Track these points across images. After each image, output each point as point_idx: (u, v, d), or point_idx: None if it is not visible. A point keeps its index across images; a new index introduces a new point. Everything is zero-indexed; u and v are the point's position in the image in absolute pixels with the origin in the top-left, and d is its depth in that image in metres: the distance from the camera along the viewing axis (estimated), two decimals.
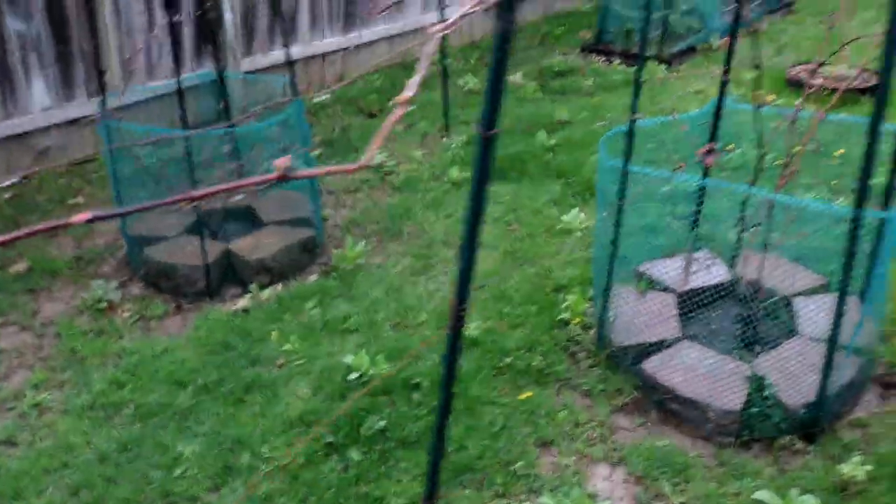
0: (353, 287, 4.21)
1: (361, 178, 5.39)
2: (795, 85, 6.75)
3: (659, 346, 3.42)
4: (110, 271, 4.53)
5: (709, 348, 3.43)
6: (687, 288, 3.77)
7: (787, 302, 3.76)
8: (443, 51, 5.93)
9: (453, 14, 1.27)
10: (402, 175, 5.39)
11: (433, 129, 6.16)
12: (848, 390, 3.25)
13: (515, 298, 4.00)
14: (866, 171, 2.54)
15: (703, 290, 3.77)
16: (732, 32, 3.48)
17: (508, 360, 3.55)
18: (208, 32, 6.04)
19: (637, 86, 3.14)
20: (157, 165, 4.33)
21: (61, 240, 4.81)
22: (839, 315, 2.86)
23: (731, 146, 4.93)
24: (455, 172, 5.23)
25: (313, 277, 4.36)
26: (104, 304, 4.15)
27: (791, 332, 3.56)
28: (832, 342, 2.92)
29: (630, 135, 3.08)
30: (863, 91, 6.32)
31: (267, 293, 4.20)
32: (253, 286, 4.22)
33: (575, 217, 4.64)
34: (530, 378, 3.47)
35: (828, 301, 3.61)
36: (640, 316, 3.60)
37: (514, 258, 4.40)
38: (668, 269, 3.90)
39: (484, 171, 1.48)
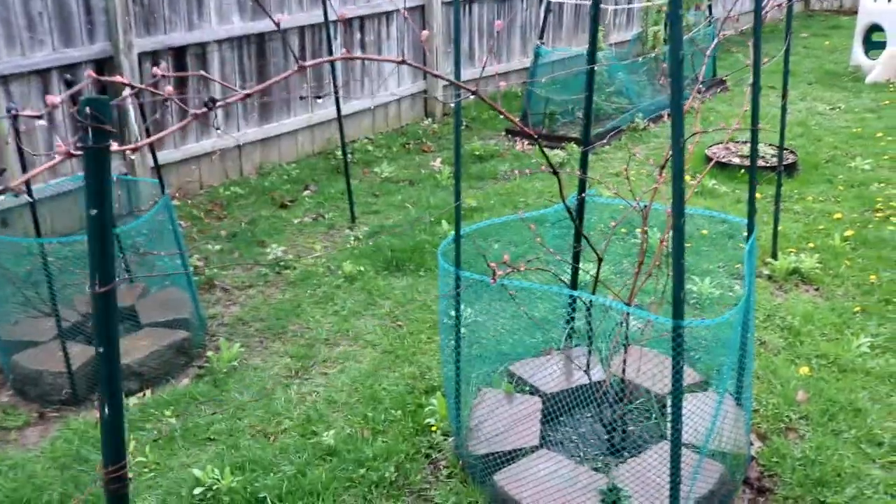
0: (224, 391, 4.06)
1: (258, 273, 5.29)
2: (717, 165, 6.77)
3: (515, 455, 3.27)
4: None
5: (569, 457, 3.28)
6: (555, 389, 3.64)
7: (661, 402, 3.64)
8: (343, 141, 5.92)
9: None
10: (299, 270, 5.30)
11: (342, 220, 6.11)
12: (710, 500, 3.10)
13: (385, 401, 3.86)
14: (679, 283, 2.46)
15: (573, 391, 3.65)
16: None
17: (362, 470, 3.39)
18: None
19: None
20: (24, 273, 4.22)
21: None
22: (676, 415, 2.73)
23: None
24: (349, 266, 5.14)
25: (185, 382, 4.21)
26: None
27: (662, 436, 3.43)
28: (674, 447, 2.78)
29: (457, 243, 3.00)
30: (772, 169, 6.33)
31: (134, 400, 4.05)
32: None
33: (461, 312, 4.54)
34: (382, 490, 3.31)
35: (703, 400, 3.50)
36: (500, 421, 3.46)
37: (395, 357, 4.28)
38: (538, 369, 3.78)
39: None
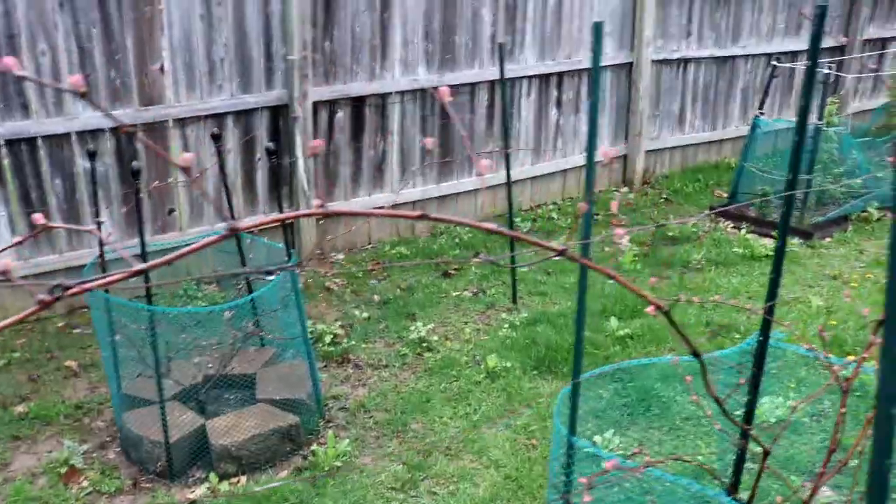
0: (320, 495, 3.59)
1: (398, 353, 4.82)
2: None
3: None
4: (103, 427, 4.23)
5: None
6: None
7: None
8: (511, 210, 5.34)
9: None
10: (441, 354, 4.76)
11: (503, 299, 5.51)
12: None
13: None
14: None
15: None
16: None
17: None
18: (280, 177, 5.86)
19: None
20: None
21: (78, 380, 4.61)
22: None
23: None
24: (493, 360, 4.53)
25: (285, 473, 3.79)
26: (65, 469, 3.81)
27: None
28: None
29: (574, 401, 2.30)
30: None
31: (225, 486, 3.68)
32: (213, 476, 3.72)
33: (607, 441, 3.78)
34: None
35: None
36: None
37: (517, 487, 3.60)
38: None
39: None
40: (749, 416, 2.83)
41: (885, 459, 1.61)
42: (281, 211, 4.11)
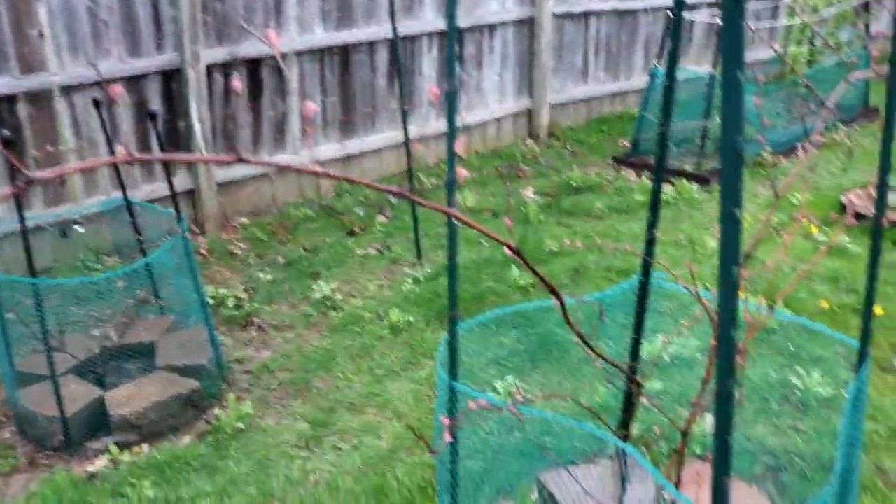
0: (223, 458, 3.59)
1: (303, 313, 4.81)
2: (854, 215, 5.73)
3: None
4: None
5: None
6: None
7: None
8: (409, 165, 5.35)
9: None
10: (345, 312, 4.78)
11: (408, 255, 5.54)
12: None
13: (392, 497, 3.25)
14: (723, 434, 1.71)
15: None
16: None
17: None
18: (177, 143, 5.73)
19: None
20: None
21: None
22: None
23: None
24: (396, 315, 4.56)
25: (187, 440, 3.77)
26: None
27: None
28: None
29: (452, 349, 2.35)
30: None
31: (127, 457, 3.64)
32: (112, 447, 3.67)
33: (508, 387, 3.87)
34: None
35: None
36: None
37: (420, 435, 3.66)
38: (576, 484, 3.05)
39: None
40: (634, 353, 2.93)
41: (728, 379, 1.70)
42: (170, 178, 4.01)
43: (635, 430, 3.47)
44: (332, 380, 4.15)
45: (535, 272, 1.89)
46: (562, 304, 2.22)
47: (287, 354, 4.39)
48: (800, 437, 3.46)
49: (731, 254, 1.47)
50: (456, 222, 2.43)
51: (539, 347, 4.27)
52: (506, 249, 1.69)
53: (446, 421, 1.99)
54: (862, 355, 2.29)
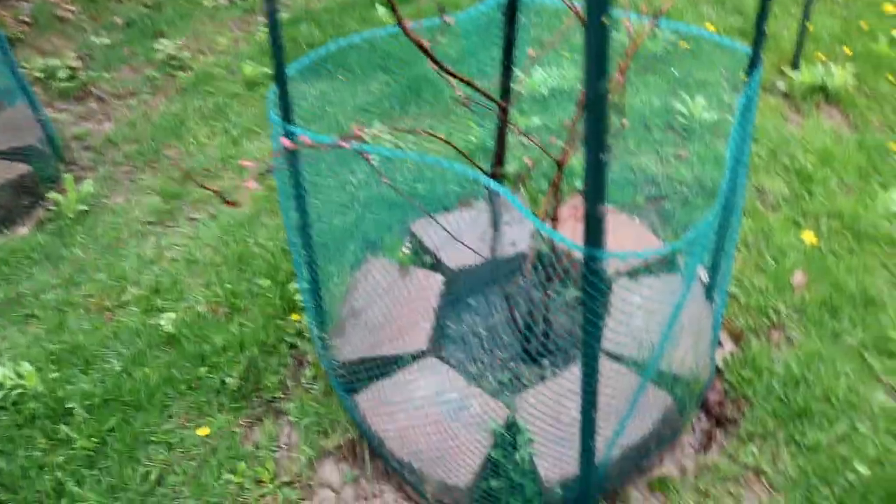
0: (68, 245, 3.23)
1: (147, 77, 4.25)
2: None
3: (392, 364, 2.44)
4: None
5: (464, 371, 2.44)
6: (463, 264, 2.74)
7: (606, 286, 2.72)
8: None
9: None
10: (194, 71, 4.25)
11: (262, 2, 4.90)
12: (655, 438, 2.28)
13: (254, 264, 3.00)
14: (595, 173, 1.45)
15: (485, 266, 2.74)
16: None
17: (203, 370, 2.61)
18: None
19: None
20: None
21: None
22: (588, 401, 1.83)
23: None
24: (250, 68, 4.07)
25: (24, 231, 3.37)
26: None
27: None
28: (588, 389, 1.90)
29: (281, 82, 1.96)
30: None
31: None
32: None
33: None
34: (223, 399, 2.54)
35: (662, 286, 2.59)
36: (382, 310, 2.60)
37: (274, 203, 3.36)
38: (447, 230, 2.84)
39: None
40: (506, 74, 2.56)
41: (598, 81, 1.41)
42: None
43: (512, 168, 3.26)
44: (183, 146, 3.73)
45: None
46: (424, 51, 1.85)
47: (132, 124, 3.91)
48: (683, 165, 3.31)
49: None
50: None
51: (409, 91, 3.91)
52: None
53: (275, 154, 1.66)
54: (754, 60, 2.02)
